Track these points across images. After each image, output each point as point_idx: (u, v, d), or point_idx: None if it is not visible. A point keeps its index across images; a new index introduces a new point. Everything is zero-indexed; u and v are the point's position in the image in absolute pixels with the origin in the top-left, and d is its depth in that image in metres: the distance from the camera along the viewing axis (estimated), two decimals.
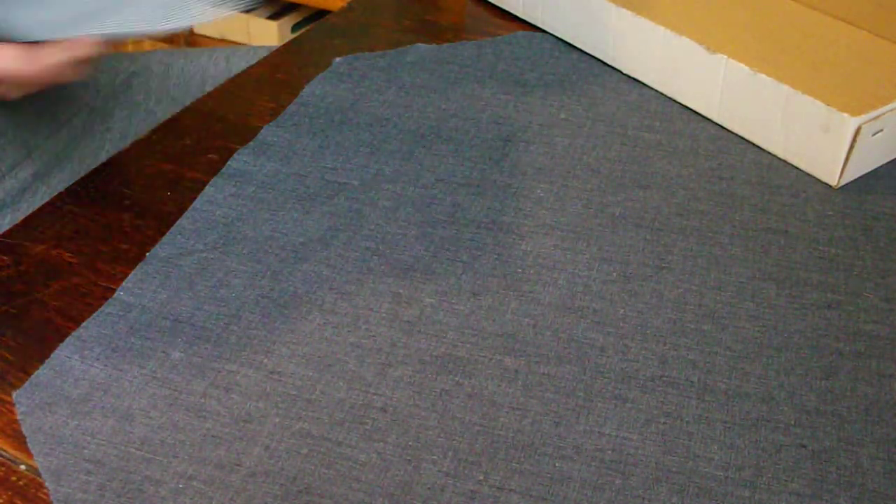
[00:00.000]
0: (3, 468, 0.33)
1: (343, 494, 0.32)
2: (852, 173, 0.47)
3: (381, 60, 0.57)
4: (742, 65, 0.47)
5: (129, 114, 0.63)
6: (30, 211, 0.50)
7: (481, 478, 0.33)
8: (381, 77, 0.55)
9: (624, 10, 0.52)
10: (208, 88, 0.63)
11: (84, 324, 0.38)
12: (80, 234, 0.44)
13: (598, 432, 0.34)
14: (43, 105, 0.63)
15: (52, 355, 0.37)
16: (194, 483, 0.32)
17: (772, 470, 0.33)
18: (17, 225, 0.45)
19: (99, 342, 0.38)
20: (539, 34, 0.60)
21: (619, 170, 0.48)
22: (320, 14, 1.85)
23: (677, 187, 0.47)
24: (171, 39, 2.00)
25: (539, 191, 0.46)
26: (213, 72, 0.64)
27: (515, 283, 0.41)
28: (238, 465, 0.33)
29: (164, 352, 0.37)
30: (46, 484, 0.32)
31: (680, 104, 0.52)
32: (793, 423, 0.35)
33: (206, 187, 0.46)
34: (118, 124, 0.62)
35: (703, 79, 0.50)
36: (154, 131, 0.52)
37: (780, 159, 0.48)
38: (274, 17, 1.88)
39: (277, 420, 0.35)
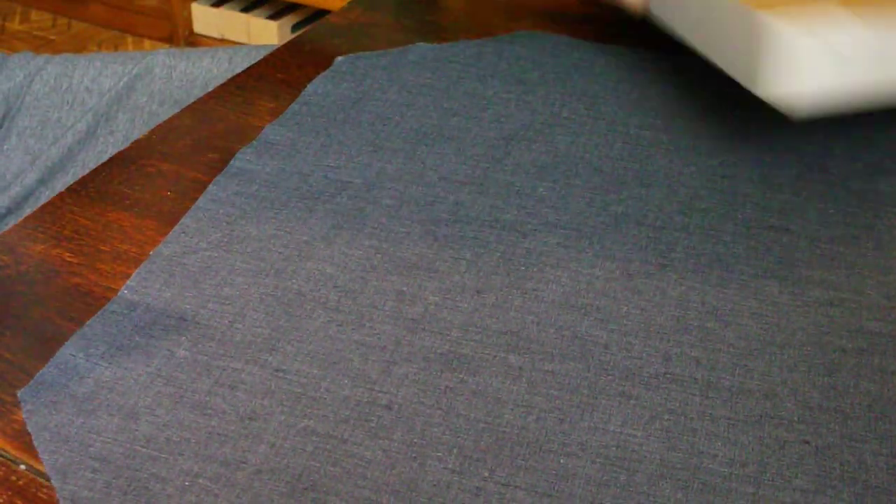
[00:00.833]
0: (3, 468, 0.33)
1: (349, 492, 0.32)
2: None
3: (383, 59, 0.57)
4: None
5: (133, 117, 0.63)
6: None
7: (486, 474, 0.33)
8: (382, 76, 0.55)
9: None
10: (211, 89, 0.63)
11: (88, 322, 0.38)
12: (80, 234, 0.44)
13: (603, 429, 0.35)
14: (48, 110, 0.63)
15: (56, 354, 0.37)
16: (200, 480, 0.32)
17: (775, 466, 0.33)
18: (16, 225, 0.45)
19: (104, 340, 0.38)
20: (539, 32, 0.60)
21: (620, 167, 0.48)
22: (320, 14, 1.85)
23: (679, 185, 0.47)
24: (171, 39, 2.00)
25: (542, 189, 0.47)
26: (217, 72, 0.64)
27: (519, 280, 0.41)
28: (244, 462, 0.33)
29: (168, 350, 0.37)
30: (52, 482, 0.32)
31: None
32: (796, 419, 0.35)
33: (210, 186, 0.46)
34: (121, 127, 0.62)
35: None
36: (154, 131, 0.52)
37: (782, 157, 0.49)
38: (274, 17, 1.88)
39: (282, 418, 0.35)
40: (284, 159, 0.49)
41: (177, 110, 0.62)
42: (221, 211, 0.45)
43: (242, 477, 0.32)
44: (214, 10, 1.95)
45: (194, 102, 0.55)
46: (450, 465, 0.33)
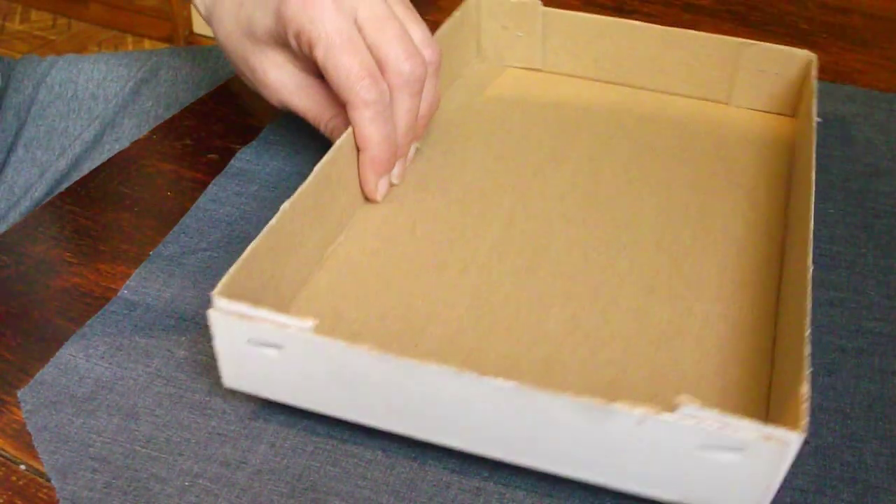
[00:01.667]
0: (3, 468, 0.33)
1: (349, 492, 0.32)
2: None
3: None
4: None
5: (139, 122, 0.62)
6: None
7: (486, 474, 0.33)
8: None
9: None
10: None
11: (88, 322, 0.38)
12: (80, 234, 0.44)
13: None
14: (54, 120, 0.62)
15: (56, 354, 0.37)
16: (200, 481, 0.32)
17: None
18: (16, 225, 0.45)
19: (103, 340, 0.38)
20: None
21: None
22: None
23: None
24: (171, 39, 2.00)
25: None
26: (222, 74, 0.64)
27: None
28: (244, 462, 0.33)
29: (168, 350, 0.37)
30: (52, 482, 0.32)
31: None
32: None
33: (209, 186, 0.46)
34: (128, 133, 0.62)
35: None
36: (154, 131, 0.52)
37: None
38: None
39: (283, 417, 0.35)
40: (284, 159, 0.48)
41: None
42: (221, 211, 0.45)
43: (242, 477, 0.32)
44: None
45: (194, 102, 0.55)
46: (450, 466, 0.33)
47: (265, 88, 0.45)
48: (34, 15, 2.17)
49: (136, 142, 0.51)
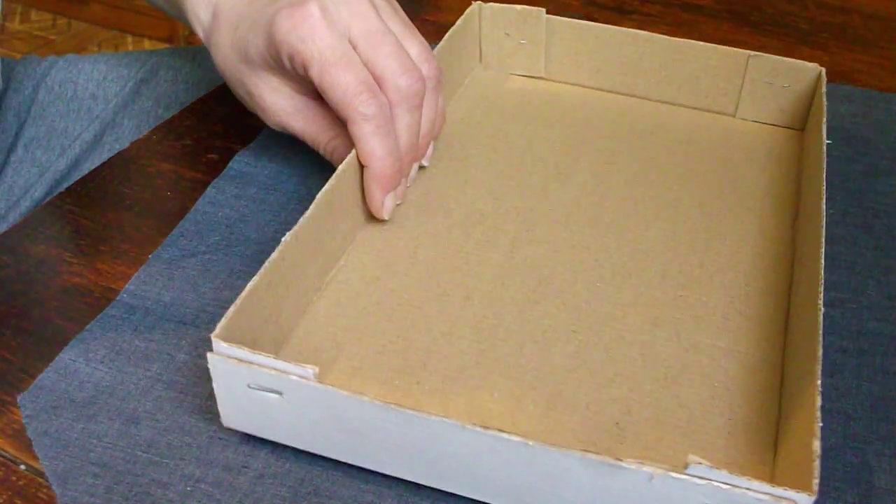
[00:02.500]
0: (3, 468, 0.33)
1: (352, 496, 0.32)
2: None
3: None
4: None
5: (139, 123, 0.62)
6: None
7: None
8: None
9: None
10: None
11: (88, 327, 0.38)
12: (80, 234, 0.44)
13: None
14: (54, 120, 0.62)
15: (56, 358, 0.37)
16: (202, 486, 0.32)
17: None
18: (16, 225, 0.45)
19: (103, 345, 0.37)
20: None
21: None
22: None
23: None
24: (171, 39, 1.99)
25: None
26: None
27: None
28: (246, 467, 0.33)
29: (169, 354, 0.37)
30: (53, 488, 0.32)
31: None
32: None
33: (208, 189, 0.46)
34: (127, 134, 0.62)
35: None
36: (154, 131, 0.52)
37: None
38: None
39: None
40: (283, 161, 0.48)
41: None
42: (220, 214, 0.45)
43: (245, 481, 0.32)
44: None
45: (194, 102, 0.54)
46: None
47: (263, 112, 0.44)
48: (34, 15, 2.16)
49: (136, 142, 0.51)
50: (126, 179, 0.48)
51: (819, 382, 0.30)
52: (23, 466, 0.33)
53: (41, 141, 0.61)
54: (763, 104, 0.51)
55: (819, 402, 0.29)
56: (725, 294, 0.40)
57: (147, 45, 2.04)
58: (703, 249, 0.42)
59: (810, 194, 0.41)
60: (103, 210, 0.46)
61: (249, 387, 0.31)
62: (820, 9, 0.67)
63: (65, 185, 0.58)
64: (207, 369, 0.36)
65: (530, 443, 0.28)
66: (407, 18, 0.44)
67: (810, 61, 0.49)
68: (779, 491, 0.27)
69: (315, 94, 0.43)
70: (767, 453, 0.33)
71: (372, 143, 0.40)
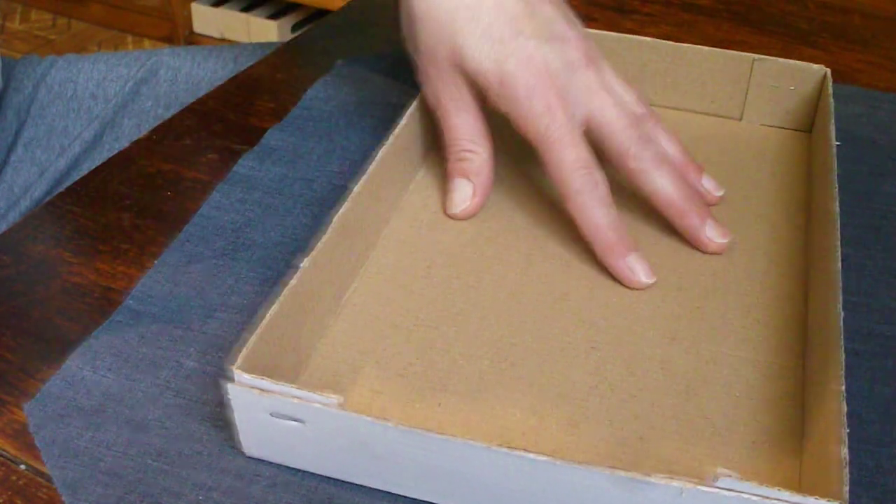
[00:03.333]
0: (3, 468, 0.33)
1: None
2: None
3: (384, 63, 0.56)
4: None
5: (138, 122, 0.62)
6: None
7: None
8: (383, 80, 0.55)
9: None
10: None
11: (94, 333, 0.38)
12: (80, 234, 0.44)
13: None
14: (53, 119, 0.62)
15: (62, 366, 0.36)
16: (214, 494, 0.32)
17: None
18: (16, 225, 0.44)
19: (110, 352, 0.37)
20: None
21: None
22: (320, 14, 1.84)
23: None
24: (171, 39, 1.98)
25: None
26: (222, 73, 0.63)
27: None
28: (257, 475, 0.33)
29: (177, 361, 0.37)
30: (63, 498, 0.32)
31: None
32: None
33: (213, 193, 0.46)
34: (127, 133, 0.62)
35: None
36: (154, 131, 0.51)
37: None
38: (274, 17, 1.87)
39: None
40: (287, 165, 0.48)
41: None
42: (225, 218, 0.44)
43: (257, 490, 0.32)
44: (214, 10, 1.94)
45: (194, 102, 0.54)
46: None
47: (432, 90, 0.44)
48: (34, 15, 2.15)
49: (136, 142, 0.50)
50: (126, 179, 0.47)
51: (843, 388, 0.30)
52: (23, 466, 0.33)
53: (41, 140, 0.61)
54: (769, 107, 0.50)
55: (844, 408, 0.29)
56: (742, 303, 0.40)
57: (147, 45, 2.03)
58: (716, 258, 0.42)
59: (821, 197, 0.41)
60: (103, 210, 0.45)
61: (271, 416, 0.31)
62: (820, 9, 0.67)
63: (64, 185, 0.57)
64: (216, 377, 0.36)
65: (557, 462, 0.28)
66: (611, 67, 0.44)
67: (810, 61, 0.49)
68: (809, 500, 0.26)
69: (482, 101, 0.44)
70: (793, 461, 0.33)
71: (591, 216, 0.40)
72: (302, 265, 0.35)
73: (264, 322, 0.32)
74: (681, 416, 0.35)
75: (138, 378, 0.36)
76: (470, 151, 0.44)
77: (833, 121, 0.44)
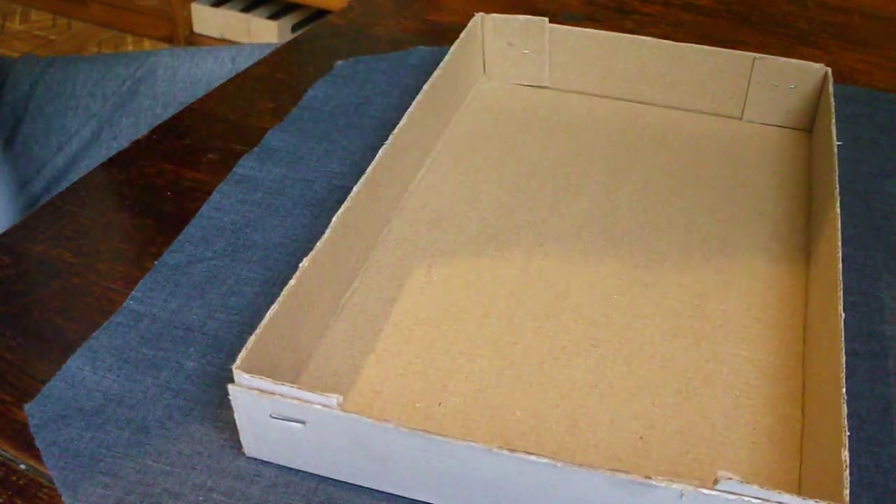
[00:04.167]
0: (3, 468, 0.33)
1: None
2: None
3: (384, 63, 0.56)
4: None
5: (136, 121, 0.62)
6: None
7: None
8: (383, 80, 0.55)
9: None
10: None
11: (94, 334, 0.38)
12: (80, 234, 0.44)
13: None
14: (51, 117, 0.62)
15: (62, 367, 0.36)
16: (214, 495, 0.32)
17: None
18: (16, 225, 0.44)
19: (110, 353, 0.37)
20: None
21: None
22: (320, 14, 1.83)
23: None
24: (171, 39, 1.98)
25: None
26: (220, 73, 0.63)
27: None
28: (258, 475, 0.32)
29: (177, 362, 0.37)
30: (63, 498, 0.32)
31: None
32: None
33: (213, 194, 0.46)
34: (125, 132, 0.62)
35: None
36: (154, 131, 0.51)
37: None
38: (274, 17, 1.87)
39: None
40: (288, 166, 0.48)
41: None
42: (226, 219, 0.44)
43: (257, 491, 0.32)
44: (214, 10, 1.93)
45: (194, 102, 0.54)
46: None
47: None
48: (34, 15, 2.15)
49: (135, 141, 0.50)
50: (126, 179, 0.47)
51: (844, 391, 0.30)
52: (23, 466, 0.33)
53: (38, 137, 0.61)
54: (769, 106, 0.50)
55: (845, 410, 0.29)
56: (743, 302, 0.39)
57: (147, 45, 2.03)
58: (717, 257, 0.42)
59: (822, 197, 0.41)
60: (103, 210, 0.45)
61: (272, 417, 0.31)
62: (820, 9, 0.67)
63: (63, 182, 0.57)
64: (216, 377, 0.36)
65: (557, 464, 0.28)
66: None
67: (810, 61, 0.49)
68: (810, 503, 0.26)
69: None
70: (792, 462, 0.33)
71: None
72: (302, 265, 0.35)
73: (265, 321, 0.32)
74: (681, 416, 0.35)
75: (139, 379, 0.36)
76: None
77: (834, 119, 0.44)
